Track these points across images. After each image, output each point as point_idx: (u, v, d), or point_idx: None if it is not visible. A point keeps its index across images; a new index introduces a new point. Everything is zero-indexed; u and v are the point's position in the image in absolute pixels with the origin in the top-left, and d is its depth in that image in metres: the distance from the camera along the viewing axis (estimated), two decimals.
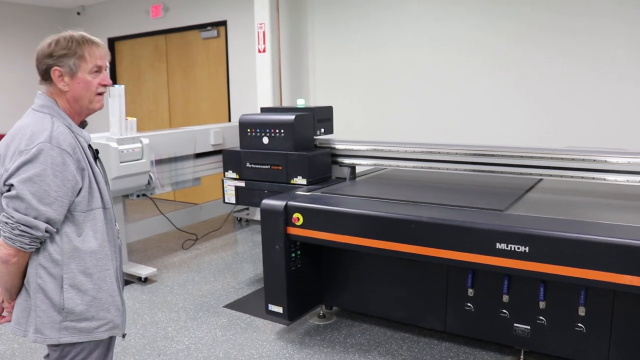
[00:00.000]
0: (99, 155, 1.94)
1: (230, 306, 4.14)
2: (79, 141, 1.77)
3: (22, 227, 1.64)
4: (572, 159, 3.31)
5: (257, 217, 6.51)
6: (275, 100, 5.90)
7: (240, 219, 6.74)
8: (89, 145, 1.86)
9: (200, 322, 3.87)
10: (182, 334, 3.68)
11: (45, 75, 1.77)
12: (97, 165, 1.87)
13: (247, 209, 6.56)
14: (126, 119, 4.43)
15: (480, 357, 3.27)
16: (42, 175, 1.65)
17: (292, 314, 3.50)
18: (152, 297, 4.36)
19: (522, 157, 3.46)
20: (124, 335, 1.95)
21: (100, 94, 1.83)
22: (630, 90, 4.45)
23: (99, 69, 1.81)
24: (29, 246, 1.68)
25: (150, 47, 7.81)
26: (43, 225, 1.66)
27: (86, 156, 1.78)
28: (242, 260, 5.29)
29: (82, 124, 1.88)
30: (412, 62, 5.46)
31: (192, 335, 3.67)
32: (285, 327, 3.75)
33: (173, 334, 3.69)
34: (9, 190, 1.67)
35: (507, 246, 2.68)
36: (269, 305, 3.50)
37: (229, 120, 7.01)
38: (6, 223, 1.66)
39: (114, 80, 8.11)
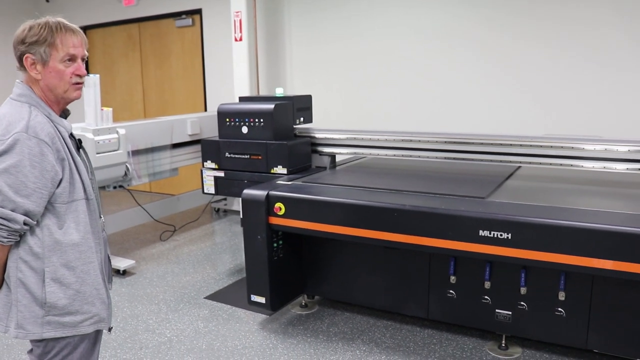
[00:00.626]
0: (83, 144, 1.88)
1: (211, 297, 4.10)
2: (59, 131, 1.71)
3: None
4: (551, 147, 3.36)
5: (235, 207, 6.46)
6: (252, 90, 5.84)
7: (218, 209, 6.69)
8: (71, 135, 1.80)
9: (181, 314, 3.83)
10: (164, 327, 3.64)
11: (19, 61, 1.72)
12: (80, 155, 1.81)
13: (225, 199, 6.51)
14: (102, 109, 4.34)
15: (462, 343, 3.30)
16: (18, 166, 1.59)
17: (274, 304, 3.48)
18: (132, 289, 4.29)
19: (501, 144, 3.49)
20: (110, 329, 1.90)
21: (76, 84, 1.75)
22: (620, 78, 4.49)
23: (72, 58, 1.72)
24: (7, 239, 1.63)
25: (123, 36, 7.66)
26: (21, 218, 1.61)
27: (67, 146, 1.73)
28: (221, 250, 5.25)
29: (64, 113, 1.82)
30: (390, 51, 5.45)
31: (174, 327, 3.63)
32: (267, 317, 3.73)
33: (154, 327, 3.64)
34: None
35: (490, 233, 2.71)
36: (252, 295, 3.48)
37: (205, 110, 6.92)
38: None
39: (87, 70, 7.92)
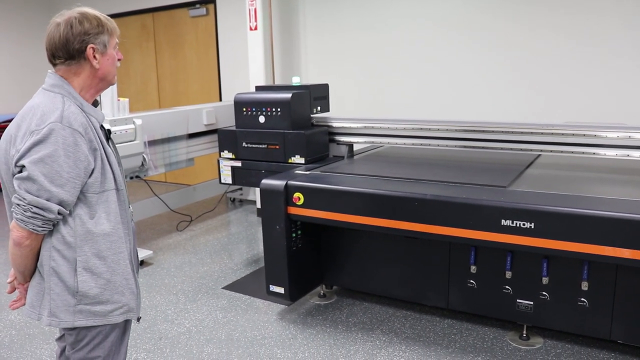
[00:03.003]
0: (111, 135, 1.89)
1: (229, 287, 4.12)
2: (90, 121, 1.72)
3: (35, 209, 1.59)
4: (572, 134, 3.31)
5: (251, 197, 6.48)
6: (267, 79, 5.82)
7: (234, 199, 6.70)
8: (101, 126, 1.81)
9: (200, 304, 3.85)
10: (183, 317, 3.66)
11: (77, 54, 1.70)
12: (109, 145, 1.82)
13: (241, 189, 6.52)
14: (118, 100, 4.34)
15: (482, 333, 3.29)
16: (53, 156, 1.59)
17: (293, 295, 3.49)
18: (150, 280, 4.32)
19: (521, 133, 3.45)
20: (139, 319, 1.91)
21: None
22: (622, 66, 4.44)
23: (117, 44, 1.80)
24: (42, 228, 1.63)
25: (137, 26, 7.65)
26: (55, 207, 1.61)
27: (98, 136, 1.73)
28: (238, 240, 5.26)
29: (94, 104, 1.82)
30: (403, 40, 5.40)
31: (193, 317, 3.65)
32: (286, 307, 3.74)
33: (173, 317, 3.66)
34: (20, 172, 1.62)
35: (512, 222, 2.69)
36: (270, 286, 3.49)
37: (220, 100, 6.92)
38: (18, 205, 1.61)
39: None
